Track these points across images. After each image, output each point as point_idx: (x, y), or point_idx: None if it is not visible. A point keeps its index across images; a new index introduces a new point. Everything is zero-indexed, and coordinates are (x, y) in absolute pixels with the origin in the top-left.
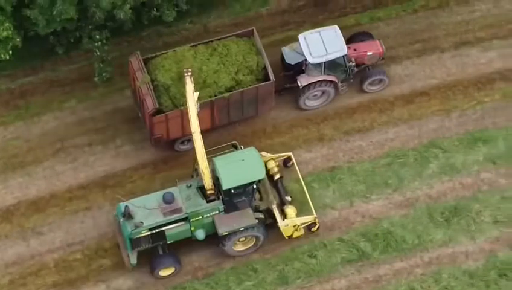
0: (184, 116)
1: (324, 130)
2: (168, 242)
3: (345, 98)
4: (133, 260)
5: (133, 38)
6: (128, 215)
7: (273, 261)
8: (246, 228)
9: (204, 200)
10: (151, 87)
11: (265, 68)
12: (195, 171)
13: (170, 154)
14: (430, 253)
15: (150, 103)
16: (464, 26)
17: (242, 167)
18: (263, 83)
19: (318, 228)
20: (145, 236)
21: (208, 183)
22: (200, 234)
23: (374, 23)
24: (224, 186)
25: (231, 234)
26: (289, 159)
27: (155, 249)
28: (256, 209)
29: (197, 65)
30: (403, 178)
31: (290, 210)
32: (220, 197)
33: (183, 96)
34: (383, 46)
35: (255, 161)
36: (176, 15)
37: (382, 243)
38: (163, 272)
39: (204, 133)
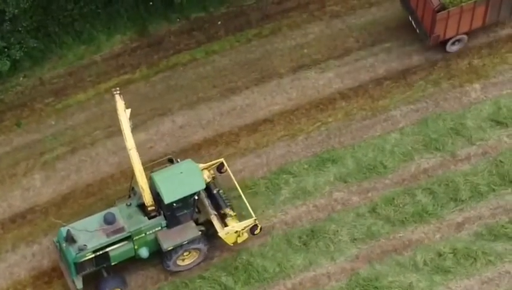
0: (463, 13)
1: None
2: (112, 263)
3: (190, 134)
4: (79, 285)
5: None
6: (71, 239)
7: None
8: (190, 241)
9: (146, 217)
10: None
11: None
12: (133, 191)
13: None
14: (292, 279)
15: (435, 0)
16: (299, 50)
17: (181, 179)
18: None
19: (261, 229)
20: (89, 259)
21: (148, 199)
22: (144, 252)
23: (210, 56)
24: (166, 201)
25: (175, 249)
26: (222, 165)
27: (99, 273)
28: (196, 222)
29: None
30: (256, 207)
31: (230, 217)
32: (162, 212)
33: None
34: None
35: (194, 172)
36: (10, 65)
37: (243, 275)
38: None
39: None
